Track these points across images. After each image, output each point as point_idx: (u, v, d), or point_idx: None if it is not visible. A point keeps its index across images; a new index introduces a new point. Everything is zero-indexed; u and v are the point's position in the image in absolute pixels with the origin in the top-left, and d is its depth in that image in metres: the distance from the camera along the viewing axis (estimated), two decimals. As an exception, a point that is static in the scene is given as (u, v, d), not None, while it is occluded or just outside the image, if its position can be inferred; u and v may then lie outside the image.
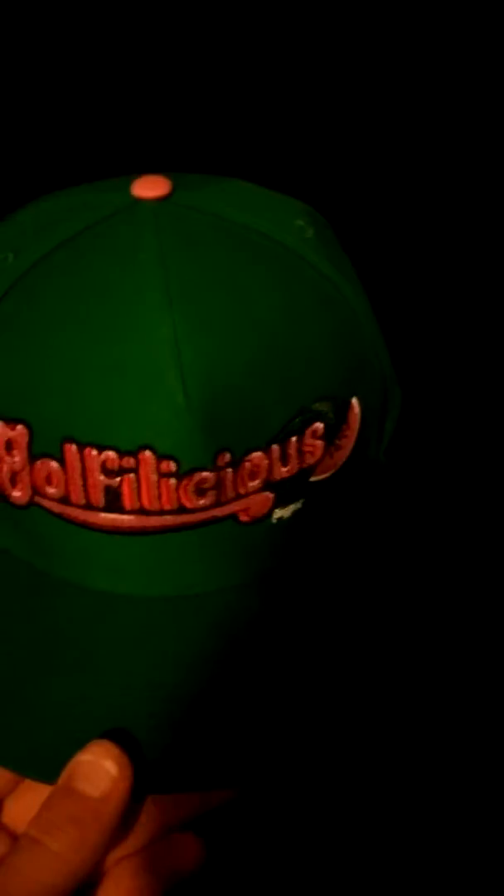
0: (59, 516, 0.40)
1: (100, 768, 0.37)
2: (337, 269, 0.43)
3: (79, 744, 0.38)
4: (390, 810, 0.55)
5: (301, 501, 0.42)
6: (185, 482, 0.39)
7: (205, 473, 0.39)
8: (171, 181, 0.42)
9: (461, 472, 0.62)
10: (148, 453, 0.38)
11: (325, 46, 0.80)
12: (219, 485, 0.39)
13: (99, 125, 0.79)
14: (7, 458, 0.40)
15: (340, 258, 0.44)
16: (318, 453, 0.41)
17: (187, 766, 0.39)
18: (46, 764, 0.39)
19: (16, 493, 0.41)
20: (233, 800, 0.42)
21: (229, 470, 0.39)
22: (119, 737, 0.39)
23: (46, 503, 0.40)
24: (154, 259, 0.39)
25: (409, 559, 0.46)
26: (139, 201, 0.42)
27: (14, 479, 0.41)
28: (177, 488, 0.39)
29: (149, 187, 0.42)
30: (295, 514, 0.42)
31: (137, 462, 0.38)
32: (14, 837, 0.42)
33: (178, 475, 0.38)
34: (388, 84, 0.81)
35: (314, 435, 0.41)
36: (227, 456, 0.39)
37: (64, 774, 0.38)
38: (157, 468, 0.38)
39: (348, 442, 0.42)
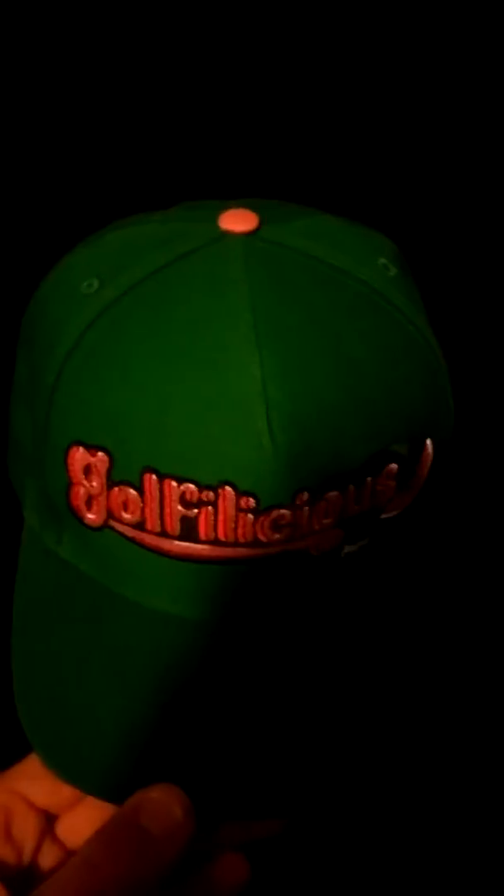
0: (133, 540, 0.41)
1: (168, 810, 0.37)
2: (418, 310, 0.43)
3: (140, 766, 0.39)
4: (398, 820, 0.56)
5: (369, 538, 0.42)
6: (262, 518, 0.39)
7: (283, 511, 0.39)
8: (257, 215, 0.43)
9: None
10: (229, 489, 0.39)
11: (346, 58, 0.80)
12: (295, 522, 0.40)
13: (114, 130, 0.78)
14: (85, 483, 0.41)
15: (419, 299, 0.45)
16: (391, 493, 0.42)
17: (241, 795, 0.40)
18: (107, 782, 0.40)
19: (90, 516, 0.42)
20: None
21: (306, 508, 0.40)
22: (178, 763, 0.40)
23: (120, 527, 0.41)
24: (244, 297, 0.40)
25: (465, 595, 0.46)
26: (227, 234, 0.42)
27: (90, 503, 0.41)
28: (254, 523, 0.39)
29: (237, 221, 0.43)
30: (362, 549, 0.42)
31: (217, 496, 0.39)
32: (67, 852, 0.43)
33: (257, 511, 0.39)
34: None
35: (389, 475, 0.41)
36: (306, 495, 0.39)
37: (129, 805, 0.38)
38: (237, 504, 0.39)
39: (419, 481, 0.43)
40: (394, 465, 0.41)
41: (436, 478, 0.44)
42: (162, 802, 0.37)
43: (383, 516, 0.42)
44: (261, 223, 0.43)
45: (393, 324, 0.42)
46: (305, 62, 0.79)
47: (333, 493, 0.40)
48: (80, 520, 0.42)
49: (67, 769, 0.41)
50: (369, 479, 0.41)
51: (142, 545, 0.41)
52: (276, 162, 0.76)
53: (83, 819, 0.43)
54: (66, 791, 0.42)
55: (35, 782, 0.42)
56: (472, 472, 0.57)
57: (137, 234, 0.44)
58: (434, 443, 0.43)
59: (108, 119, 0.78)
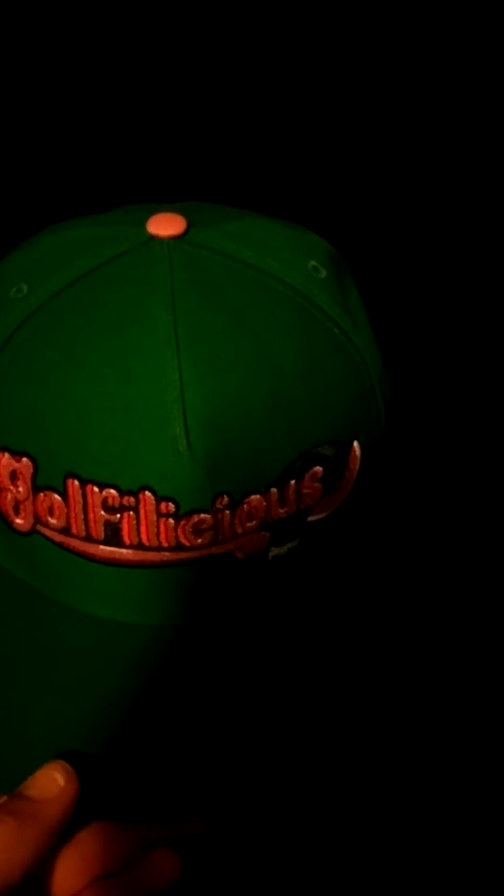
0: (60, 545, 0.41)
1: (48, 778, 0.39)
2: (346, 313, 0.43)
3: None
4: (386, 818, 0.56)
5: (297, 540, 0.42)
6: (183, 522, 0.39)
7: (203, 515, 0.39)
8: (185, 219, 0.43)
9: (456, 505, 0.63)
10: (148, 494, 0.39)
11: (334, 57, 0.80)
12: (216, 525, 0.40)
13: (100, 132, 0.79)
14: (12, 488, 0.41)
15: (353, 301, 0.45)
16: (317, 495, 0.42)
17: (160, 795, 0.40)
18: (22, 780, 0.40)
19: (18, 521, 0.42)
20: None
21: (227, 512, 0.40)
22: (92, 759, 0.40)
23: (48, 532, 0.41)
24: (165, 301, 0.40)
25: (404, 594, 0.46)
26: (154, 239, 0.42)
27: (17, 508, 0.42)
28: (175, 528, 0.39)
29: (164, 225, 0.43)
30: (290, 551, 0.42)
31: (137, 501, 0.39)
32: None
33: (177, 516, 0.39)
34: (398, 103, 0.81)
35: (313, 478, 0.41)
36: (226, 499, 0.39)
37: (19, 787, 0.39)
38: (157, 508, 0.39)
39: (348, 483, 0.43)
40: (318, 468, 0.41)
41: (367, 479, 0.44)
42: (43, 774, 0.39)
43: (311, 518, 0.42)
44: (189, 226, 0.43)
45: (317, 327, 0.42)
46: (283, 63, 0.79)
47: (255, 497, 0.40)
48: (9, 525, 0.42)
49: None
50: (293, 482, 0.41)
51: (69, 550, 0.41)
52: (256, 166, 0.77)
53: None
54: None
55: None
56: (410, 471, 0.57)
57: (69, 238, 0.44)
58: (362, 444, 0.43)
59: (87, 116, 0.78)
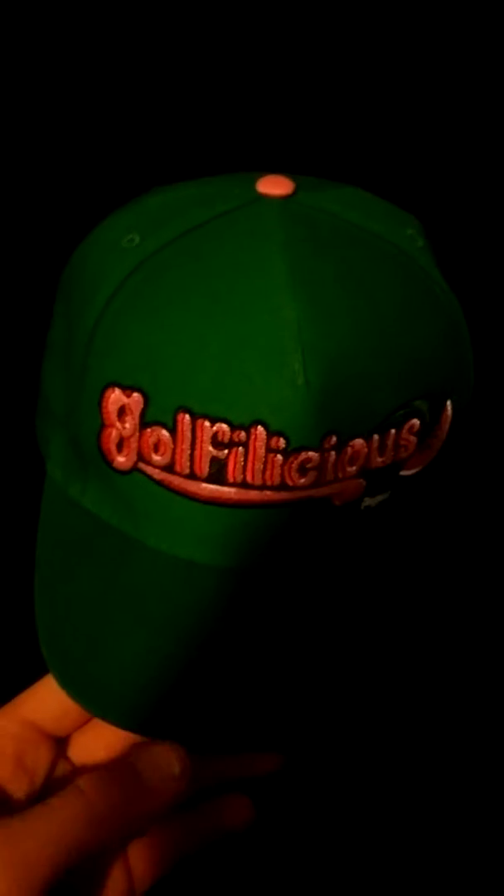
0: (160, 483, 0.42)
1: (166, 763, 0.40)
2: (443, 277, 0.45)
3: (154, 696, 0.41)
4: (391, 807, 0.56)
5: (388, 493, 0.44)
6: (290, 460, 0.41)
7: (311, 453, 0.41)
8: (293, 181, 0.45)
9: None
10: (260, 428, 0.40)
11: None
12: (321, 466, 0.41)
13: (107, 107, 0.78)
14: (118, 425, 0.42)
15: (443, 270, 0.47)
16: (412, 449, 0.43)
17: (247, 727, 0.42)
18: (122, 708, 0.42)
19: (120, 459, 0.43)
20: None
21: (333, 453, 0.41)
22: (192, 696, 0.41)
23: (150, 470, 0.42)
24: (280, 248, 0.42)
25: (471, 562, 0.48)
26: (264, 196, 0.44)
27: (121, 446, 0.43)
28: (282, 465, 0.41)
29: (273, 185, 0.44)
30: (381, 504, 0.44)
31: (248, 436, 0.40)
32: (76, 770, 0.44)
33: (286, 452, 0.40)
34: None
35: (410, 430, 0.43)
36: (333, 439, 0.41)
37: (132, 750, 0.41)
38: (267, 444, 0.40)
39: (437, 442, 0.45)
40: (416, 421, 0.43)
41: (454, 440, 0.46)
42: (163, 755, 0.40)
43: (403, 473, 0.44)
44: (296, 189, 0.45)
45: (421, 284, 0.44)
46: (299, 51, 0.79)
47: (359, 441, 0.41)
48: (108, 463, 0.43)
49: (84, 694, 0.42)
50: (393, 430, 0.42)
51: (169, 488, 0.42)
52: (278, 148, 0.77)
53: (93, 740, 0.44)
54: (75, 714, 0.43)
55: (44, 708, 0.43)
56: (488, 442, 0.58)
57: (177, 196, 0.46)
58: (454, 404, 0.45)
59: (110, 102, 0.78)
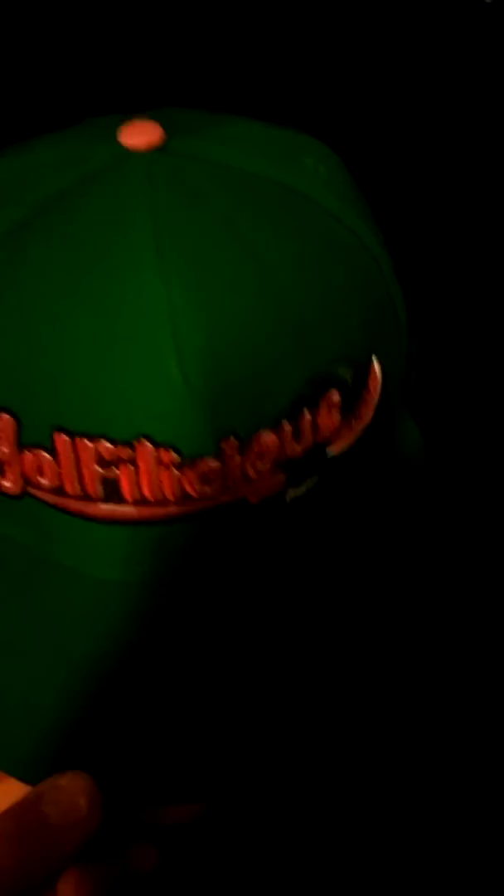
0: (55, 507, 0.37)
1: (72, 799, 0.34)
2: (353, 210, 0.38)
3: (69, 742, 0.36)
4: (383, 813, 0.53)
5: (316, 478, 0.38)
6: (187, 471, 0.35)
7: (209, 461, 0.35)
8: (162, 127, 0.38)
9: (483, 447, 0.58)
10: (145, 442, 0.35)
11: None
12: (225, 472, 0.35)
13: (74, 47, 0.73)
14: None
15: (356, 199, 0.40)
16: (336, 425, 0.37)
17: (159, 770, 0.37)
18: (31, 760, 0.37)
19: (7, 484, 0.38)
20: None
21: (237, 455, 0.35)
22: (113, 738, 0.37)
23: (40, 494, 0.37)
24: (147, 223, 0.35)
25: (430, 539, 0.42)
26: (130, 152, 0.38)
27: (3, 470, 0.37)
28: (179, 478, 0.35)
29: (138, 135, 0.38)
30: (310, 491, 0.38)
31: (135, 452, 0.35)
32: None
33: (180, 464, 0.35)
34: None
35: (330, 405, 0.37)
36: (233, 440, 0.35)
37: (34, 790, 0.35)
38: (157, 458, 0.35)
39: (368, 408, 0.38)
40: (335, 392, 0.37)
41: (391, 402, 0.39)
42: (68, 791, 0.34)
43: (330, 452, 0.38)
44: (168, 136, 0.38)
45: (321, 228, 0.37)
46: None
47: (266, 434, 0.36)
48: None
49: None
50: (307, 411, 0.36)
51: (66, 511, 0.37)
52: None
53: None
54: None
55: None
56: (441, 395, 0.52)
57: (29, 162, 0.39)
58: (382, 361, 0.38)
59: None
